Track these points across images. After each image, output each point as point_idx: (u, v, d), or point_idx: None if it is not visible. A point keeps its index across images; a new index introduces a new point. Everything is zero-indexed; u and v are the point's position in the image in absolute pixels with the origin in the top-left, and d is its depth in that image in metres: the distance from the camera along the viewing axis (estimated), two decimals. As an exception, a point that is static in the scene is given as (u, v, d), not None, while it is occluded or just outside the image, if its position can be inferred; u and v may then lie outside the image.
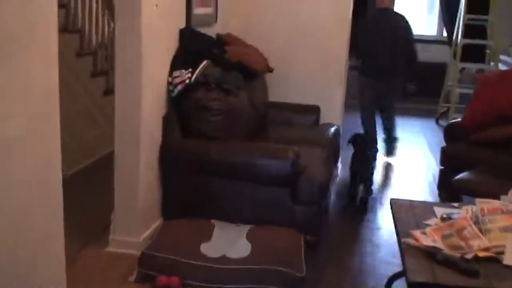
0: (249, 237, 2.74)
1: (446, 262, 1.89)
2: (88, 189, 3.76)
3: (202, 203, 3.07)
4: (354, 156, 3.97)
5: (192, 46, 3.28)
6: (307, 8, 4.22)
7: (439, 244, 2.00)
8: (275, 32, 4.26)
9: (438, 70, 7.31)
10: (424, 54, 7.38)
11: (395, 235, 2.29)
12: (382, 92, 4.92)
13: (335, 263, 3.05)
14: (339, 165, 4.45)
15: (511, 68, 5.52)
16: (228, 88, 3.20)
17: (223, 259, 2.55)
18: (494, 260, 1.92)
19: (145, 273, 2.56)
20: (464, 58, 6.55)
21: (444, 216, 2.26)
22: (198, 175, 3.05)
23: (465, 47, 6.53)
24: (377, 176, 4.32)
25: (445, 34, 7.57)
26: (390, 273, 2.72)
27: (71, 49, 4.16)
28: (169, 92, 3.13)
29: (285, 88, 4.28)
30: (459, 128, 3.95)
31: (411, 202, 2.56)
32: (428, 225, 2.22)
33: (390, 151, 5.16)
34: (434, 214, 2.33)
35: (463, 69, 6.94)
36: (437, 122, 6.84)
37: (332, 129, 4.01)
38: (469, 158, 3.60)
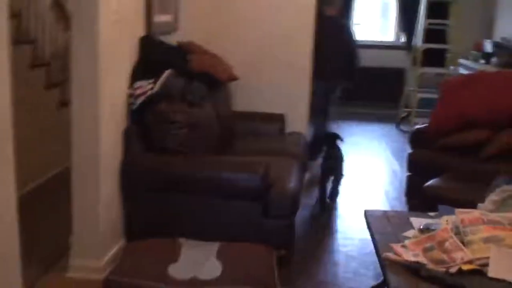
0: (219, 255, 2.61)
1: (431, 278, 1.82)
2: (43, 209, 3.55)
3: (167, 221, 2.92)
4: (327, 154, 4.09)
5: (154, 55, 3.15)
6: (270, 16, 4.23)
7: (422, 259, 1.93)
8: (239, 40, 4.23)
9: (396, 76, 7.40)
10: (382, 60, 7.48)
11: (368, 246, 2.22)
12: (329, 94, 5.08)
13: (309, 277, 2.98)
14: (307, 174, 4.40)
15: (474, 73, 5.59)
16: (193, 99, 3.09)
17: (194, 281, 2.41)
18: (479, 272, 1.86)
19: (110, 301, 2.39)
20: (424, 63, 6.63)
21: (422, 227, 2.19)
22: (162, 192, 2.92)
23: (425, 52, 6.60)
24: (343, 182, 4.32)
25: (402, 39, 7.66)
26: (364, 286, 2.65)
27: (24, 60, 3.94)
28: (129, 104, 2.98)
29: (249, 96, 4.23)
30: (425, 134, 3.94)
31: (385, 212, 2.51)
32: (406, 237, 2.14)
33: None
34: (411, 225, 2.26)
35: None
36: (397, 127, 6.88)
37: (299, 138, 3.95)
38: (436, 164, 3.58)
